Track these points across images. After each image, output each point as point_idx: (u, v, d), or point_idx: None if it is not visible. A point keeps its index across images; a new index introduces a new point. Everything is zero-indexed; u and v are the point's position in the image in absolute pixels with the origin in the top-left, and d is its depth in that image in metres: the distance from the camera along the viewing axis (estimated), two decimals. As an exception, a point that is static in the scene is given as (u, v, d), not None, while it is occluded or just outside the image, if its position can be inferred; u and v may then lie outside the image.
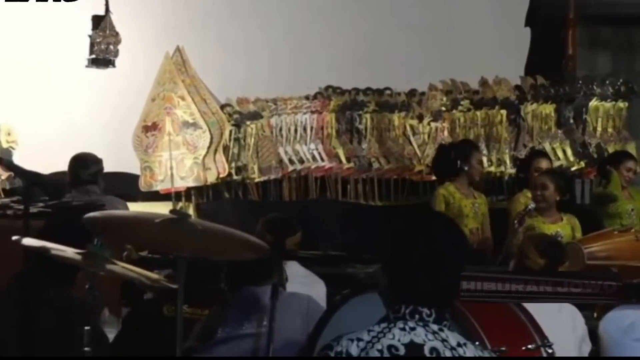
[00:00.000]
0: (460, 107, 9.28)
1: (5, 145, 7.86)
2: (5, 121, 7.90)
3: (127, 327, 4.65)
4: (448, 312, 2.81)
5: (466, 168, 7.60)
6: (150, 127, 8.21)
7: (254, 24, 8.97)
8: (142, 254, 6.30)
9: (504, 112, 9.37)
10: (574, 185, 9.55)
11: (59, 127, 8.10)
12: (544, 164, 7.83)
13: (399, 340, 2.72)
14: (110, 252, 3.72)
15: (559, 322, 4.51)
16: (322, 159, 8.81)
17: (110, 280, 4.54)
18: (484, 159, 8.67)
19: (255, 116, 8.65)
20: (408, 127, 9.12)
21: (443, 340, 2.74)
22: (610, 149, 9.41)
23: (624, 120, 9.78)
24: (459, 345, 2.76)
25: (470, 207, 7.52)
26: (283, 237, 5.08)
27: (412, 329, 2.74)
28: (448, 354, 2.72)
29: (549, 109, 9.55)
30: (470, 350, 2.76)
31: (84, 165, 7.02)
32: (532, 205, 7.06)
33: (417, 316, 2.76)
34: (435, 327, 2.76)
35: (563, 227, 7.06)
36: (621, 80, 9.82)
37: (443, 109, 9.20)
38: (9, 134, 7.90)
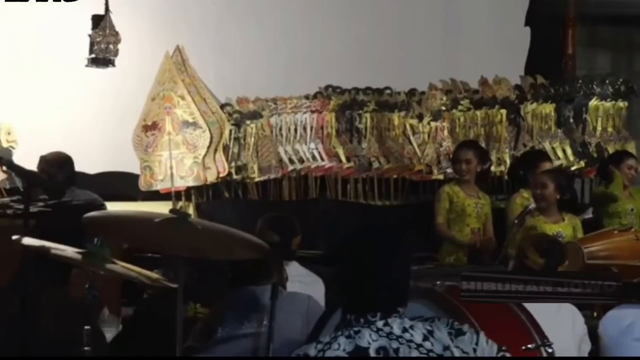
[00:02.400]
0: (460, 107, 9.28)
1: (5, 144, 7.85)
2: (5, 120, 7.90)
3: (131, 326, 4.66)
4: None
5: (454, 167, 7.69)
6: (150, 127, 8.21)
7: (253, 23, 8.96)
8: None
9: (503, 111, 9.38)
10: (574, 184, 9.56)
11: (59, 127, 8.10)
12: (548, 167, 7.80)
13: (344, 350, 2.73)
14: (110, 251, 3.72)
15: (559, 322, 4.51)
16: (322, 159, 8.80)
17: (110, 279, 4.54)
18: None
19: (255, 116, 8.65)
20: (408, 127, 9.12)
21: (388, 334, 2.75)
22: (610, 149, 9.42)
23: (624, 119, 9.79)
24: (405, 330, 2.76)
25: (473, 207, 7.52)
26: (289, 238, 5.09)
27: (357, 332, 2.76)
28: (395, 345, 2.73)
29: (548, 108, 9.55)
30: (418, 330, 2.77)
31: (67, 166, 7.01)
32: (532, 205, 7.05)
33: (362, 320, 2.77)
34: (380, 323, 2.76)
35: (564, 228, 7.04)
36: (621, 80, 9.82)
37: (443, 108, 9.21)
38: (8, 134, 7.89)
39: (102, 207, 5.91)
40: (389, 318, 2.78)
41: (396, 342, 2.73)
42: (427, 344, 2.75)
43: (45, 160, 7.01)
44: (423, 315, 2.90)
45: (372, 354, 2.72)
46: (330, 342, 2.76)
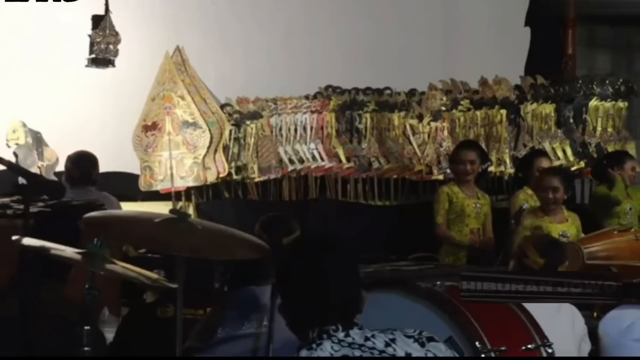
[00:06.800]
0: (460, 107, 9.29)
1: (10, 142, 7.87)
2: (14, 119, 7.91)
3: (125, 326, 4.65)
4: (356, 316, 2.84)
5: (456, 167, 7.66)
6: (150, 127, 8.20)
7: (253, 23, 8.96)
8: (141, 251, 6.30)
9: (503, 111, 9.38)
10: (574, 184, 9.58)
11: (59, 127, 8.10)
12: (545, 163, 7.83)
13: None
14: (109, 251, 3.72)
15: (559, 322, 4.51)
16: (322, 159, 8.80)
17: (110, 279, 4.53)
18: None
19: (255, 116, 8.65)
20: (408, 127, 9.12)
21: (350, 344, 2.75)
22: (610, 149, 9.42)
23: (624, 119, 9.80)
24: (366, 339, 2.77)
25: (472, 207, 7.52)
26: (279, 236, 5.07)
27: (319, 344, 2.75)
28: (357, 353, 2.73)
29: (548, 108, 9.56)
30: (379, 338, 2.78)
31: (85, 165, 7.06)
32: (525, 205, 7.09)
33: (324, 335, 2.77)
34: (341, 335, 2.76)
35: (569, 227, 7.08)
36: (621, 80, 9.84)
37: (443, 108, 9.21)
38: (14, 131, 7.91)
39: (102, 207, 5.90)
40: (350, 330, 2.78)
41: (358, 351, 2.74)
42: (390, 349, 2.75)
43: (70, 158, 7.16)
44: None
45: None
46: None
